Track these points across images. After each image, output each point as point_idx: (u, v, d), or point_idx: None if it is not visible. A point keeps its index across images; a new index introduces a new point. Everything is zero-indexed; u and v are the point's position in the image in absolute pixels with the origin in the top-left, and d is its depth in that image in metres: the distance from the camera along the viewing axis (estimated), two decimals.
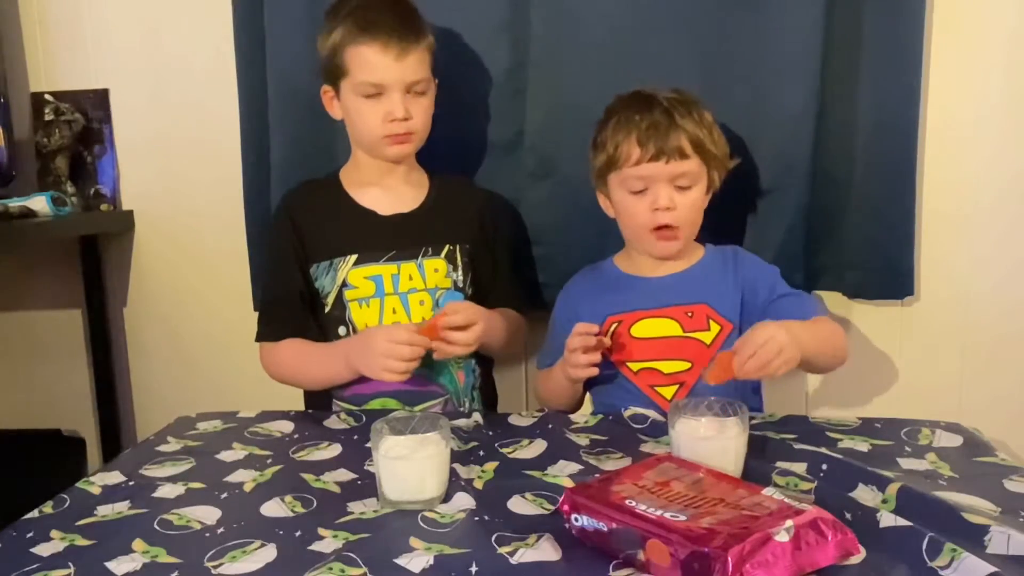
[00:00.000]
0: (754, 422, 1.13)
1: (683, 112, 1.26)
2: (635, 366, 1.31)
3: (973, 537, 0.77)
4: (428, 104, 1.37)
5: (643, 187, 1.27)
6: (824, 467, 0.95)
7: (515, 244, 1.53)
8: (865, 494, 0.88)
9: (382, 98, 1.32)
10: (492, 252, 1.45)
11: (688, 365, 1.29)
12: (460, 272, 1.39)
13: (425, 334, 1.24)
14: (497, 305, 1.40)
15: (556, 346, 1.34)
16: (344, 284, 1.35)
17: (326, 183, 1.44)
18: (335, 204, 1.40)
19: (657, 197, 1.26)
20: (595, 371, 1.25)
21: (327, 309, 1.37)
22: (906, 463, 1.01)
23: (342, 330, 1.36)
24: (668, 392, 1.29)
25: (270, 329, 1.39)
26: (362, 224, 1.39)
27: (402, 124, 1.33)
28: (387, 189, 1.41)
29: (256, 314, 1.44)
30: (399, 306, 1.35)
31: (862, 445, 1.07)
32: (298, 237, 1.38)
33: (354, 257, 1.36)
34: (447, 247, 1.39)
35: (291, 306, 1.37)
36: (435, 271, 1.37)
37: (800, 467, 0.96)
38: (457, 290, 1.39)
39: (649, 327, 1.30)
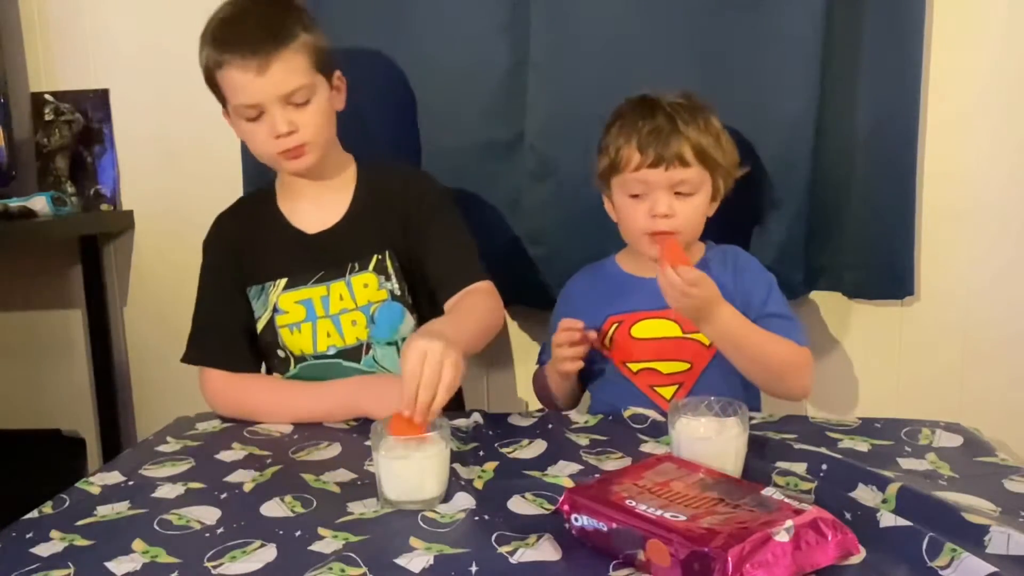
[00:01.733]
0: (754, 422, 1.13)
1: (687, 118, 1.25)
2: (635, 366, 1.31)
3: (973, 537, 0.77)
4: (317, 110, 1.26)
5: (642, 192, 1.27)
6: (824, 467, 0.95)
7: (446, 215, 1.36)
8: (865, 494, 0.88)
9: (264, 116, 1.24)
10: (427, 238, 1.33)
11: (687, 366, 1.29)
12: (395, 281, 1.31)
13: (404, 426, 0.96)
14: (456, 287, 1.28)
15: None
16: (276, 309, 1.31)
17: (261, 199, 1.39)
18: (267, 225, 1.35)
19: (655, 203, 1.25)
20: (580, 364, 1.27)
21: (258, 333, 1.33)
22: (906, 463, 1.01)
23: (281, 354, 1.32)
24: (667, 392, 1.29)
25: (207, 355, 1.32)
26: (290, 246, 1.33)
27: (289, 139, 1.24)
28: (314, 202, 1.34)
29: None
30: (332, 329, 1.30)
31: (862, 445, 1.07)
32: (234, 261, 1.34)
33: (284, 281, 1.31)
34: (375, 258, 1.31)
35: (230, 331, 1.33)
36: (364, 287, 1.30)
37: (800, 467, 0.96)
38: (395, 300, 1.31)
39: (649, 328, 1.30)
